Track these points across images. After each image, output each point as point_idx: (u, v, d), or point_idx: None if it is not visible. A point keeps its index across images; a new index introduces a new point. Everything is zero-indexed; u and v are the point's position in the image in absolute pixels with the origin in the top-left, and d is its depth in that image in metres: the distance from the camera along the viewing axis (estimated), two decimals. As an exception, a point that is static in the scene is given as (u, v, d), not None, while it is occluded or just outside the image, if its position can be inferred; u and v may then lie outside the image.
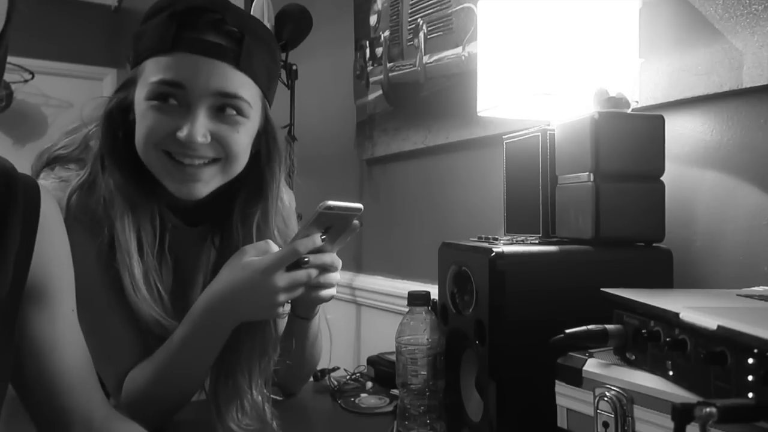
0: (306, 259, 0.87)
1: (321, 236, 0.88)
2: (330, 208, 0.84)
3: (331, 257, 0.91)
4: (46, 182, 0.93)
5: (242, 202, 0.99)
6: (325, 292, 0.95)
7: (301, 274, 0.87)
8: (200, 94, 0.88)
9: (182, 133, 0.87)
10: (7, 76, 4.26)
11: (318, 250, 0.89)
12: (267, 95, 0.97)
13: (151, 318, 0.93)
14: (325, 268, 0.91)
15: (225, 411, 0.96)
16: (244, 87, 0.90)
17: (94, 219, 0.92)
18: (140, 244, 0.93)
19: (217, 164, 0.92)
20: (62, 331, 0.77)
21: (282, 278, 0.86)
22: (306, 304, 1.01)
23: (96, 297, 0.93)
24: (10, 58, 0.74)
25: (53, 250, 0.76)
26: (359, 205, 0.87)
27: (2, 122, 4.48)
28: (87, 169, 0.94)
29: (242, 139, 0.93)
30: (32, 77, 4.53)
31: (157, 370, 0.93)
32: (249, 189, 0.99)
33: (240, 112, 0.91)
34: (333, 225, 0.88)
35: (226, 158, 0.92)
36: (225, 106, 0.90)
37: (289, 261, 0.86)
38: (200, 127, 0.88)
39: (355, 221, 0.89)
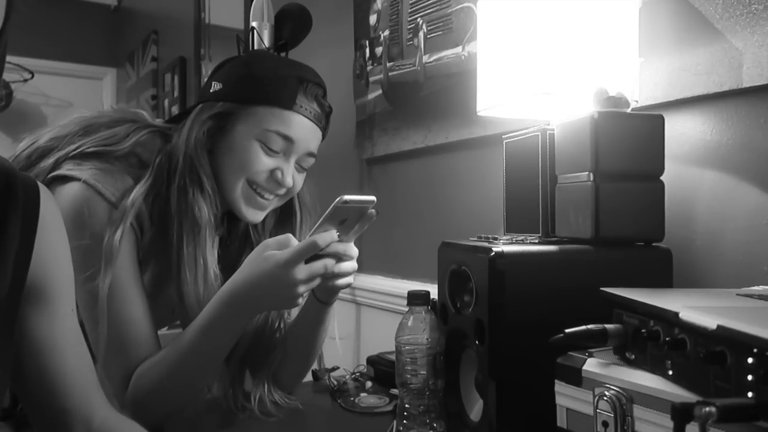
0: (321, 250, 0.91)
1: (336, 231, 0.92)
2: (346, 202, 0.87)
3: (344, 246, 0.95)
4: (83, 173, 0.97)
5: (271, 228, 1.18)
6: (342, 280, 0.99)
7: (318, 266, 0.91)
8: (300, 151, 1.07)
9: (279, 176, 1.06)
10: (7, 76, 4.27)
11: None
12: None
13: (198, 299, 1.00)
14: (339, 258, 0.95)
15: (243, 401, 1.06)
16: (318, 147, 1.11)
17: (141, 221, 1.01)
18: (213, 250, 1.05)
19: (279, 197, 1.10)
20: (62, 332, 0.77)
21: (301, 271, 0.90)
22: (327, 291, 1.06)
23: (126, 291, 0.97)
24: (9, 58, 0.74)
25: (53, 250, 0.76)
26: (373, 197, 0.91)
27: (2, 122, 4.48)
28: (150, 178, 1.01)
29: (301, 182, 1.13)
30: (32, 77, 4.53)
31: (171, 361, 0.95)
32: (279, 216, 1.17)
33: (309, 165, 1.12)
34: (348, 217, 0.92)
35: (286, 193, 1.11)
36: (305, 160, 1.10)
37: (308, 254, 0.90)
38: (291, 173, 1.07)
39: (371, 211, 0.93)
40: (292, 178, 1.07)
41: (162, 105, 3.85)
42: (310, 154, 1.09)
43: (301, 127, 1.05)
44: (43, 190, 0.75)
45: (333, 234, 0.91)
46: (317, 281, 0.93)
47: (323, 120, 1.09)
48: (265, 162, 1.04)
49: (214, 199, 1.04)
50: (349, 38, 1.92)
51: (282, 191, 1.08)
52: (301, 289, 0.91)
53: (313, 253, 0.90)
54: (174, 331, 1.08)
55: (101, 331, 0.94)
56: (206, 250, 1.02)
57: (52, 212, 0.76)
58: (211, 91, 1.07)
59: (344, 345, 1.83)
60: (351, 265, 0.98)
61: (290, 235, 0.94)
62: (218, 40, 3.04)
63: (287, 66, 1.08)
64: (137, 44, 4.40)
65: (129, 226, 0.98)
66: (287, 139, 1.04)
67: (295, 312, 1.15)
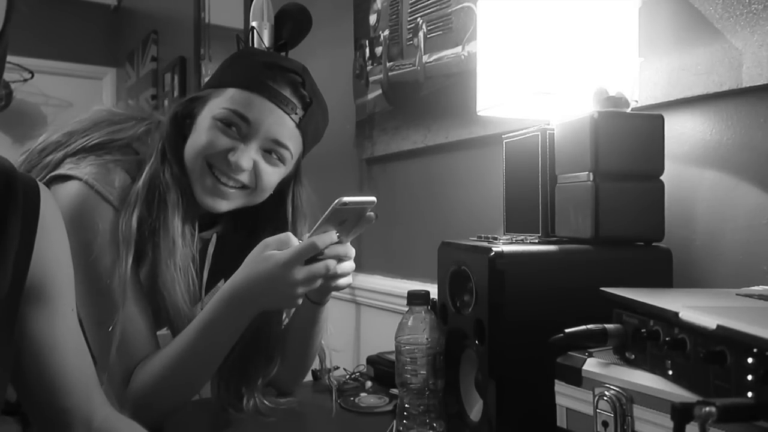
0: (321, 253, 0.91)
1: (336, 233, 0.91)
2: (345, 204, 0.87)
3: (344, 248, 0.95)
4: (81, 171, 0.98)
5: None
6: (342, 281, 0.99)
7: (319, 267, 0.92)
8: (259, 135, 1.01)
9: (233, 157, 1.00)
10: (7, 76, 4.26)
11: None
12: (305, 151, 1.11)
13: (176, 306, 1.01)
14: (339, 258, 0.95)
15: (236, 402, 1.06)
16: (294, 141, 1.05)
17: (139, 220, 0.99)
18: (184, 233, 1.04)
19: (245, 191, 1.05)
20: (62, 331, 0.77)
21: (301, 272, 0.90)
22: (320, 292, 1.05)
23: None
24: (9, 58, 0.74)
25: (53, 250, 0.76)
26: (372, 198, 0.90)
27: (2, 121, 4.48)
28: (148, 169, 1.01)
29: (274, 178, 1.06)
30: (32, 76, 4.53)
31: (171, 359, 0.96)
32: (274, 227, 1.10)
33: (281, 158, 1.05)
34: (348, 218, 0.91)
35: (254, 189, 1.05)
36: (272, 150, 1.03)
37: (307, 255, 0.90)
38: (248, 158, 1.01)
39: (370, 213, 0.93)
40: (254, 165, 1.02)
41: (162, 105, 3.85)
42: (277, 143, 1.02)
43: (262, 110, 1.00)
44: (43, 189, 0.75)
45: (332, 235, 0.91)
46: (318, 282, 0.93)
47: (298, 109, 1.03)
48: (221, 141, 1.00)
49: (183, 181, 1.03)
50: (348, 38, 1.92)
51: (242, 177, 1.02)
52: (301, 289, 0.92)
53: (313, 254, 0.90)
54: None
55: (120, 317, 0.94)
56: (176, 233, 1.01)
57: (52, 212, 0.76)
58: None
59: (344, 345, 1.83)
60: (350, 265, 0.98)
61: (290, 233, 0.94)
62: (218, 40, 3.04)
63: (268, 55, 1.08)
64: (137, 44, 4.39)
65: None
66: (245, 120, 1.00)
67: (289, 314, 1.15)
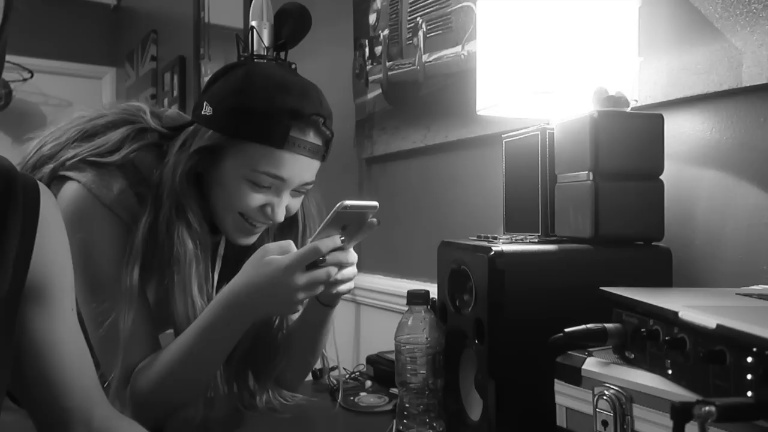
0: (322, 258, 0.89)
1: (339, 237, 0.90)
2: (347, 207, 0.86)
3: (346, 255, 0.94)
4: (83, 172, 0.98)
5: (276, 230, 1.13)
6: (344, 287, 0.98)
7: (320, 273, 0.90)
8: (293, 185, 1.02)
9: (269, 211, 1.02)
10: (6, 75, 4.26)
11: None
12: None
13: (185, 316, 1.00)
14: (341, 265, 0.93)
15: (250, 398, 1.08)
16: (316, 172, 1.06)
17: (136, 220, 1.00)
18: (198, 256, 1.02)
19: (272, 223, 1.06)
20: (62, 331, 0.77)
21: (302, 277, 0.89)
22: (330, 295, 1.04)
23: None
24: (9, 57, 0.74)
25: (52, 250, 0.76)
26: (375, 203, 0.89)
27: (1, 121, 4.48)
28: (151, 212, 0.99)
29: (299, 204, 1.08)
30: (31, 76, 4.53)
31: (171, 361, 0.95)
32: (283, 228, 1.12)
33: (306, 190, 1.07)
34: (350, 223, 0.90)
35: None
36: (300, 188, 1.04)
37: (309, 260, 0.88)
38: (283, 208, 1.03)
39: (373, 219, 0.92)
40: (286, 208, 1.04)
41: (161, 104, 3.85)
42: (308, 184, 1.05)
43: (293, 164, 0.99)
44: (43, 189, 0.75)
45: (336, 240, 0.89)
46: (320, 289, 0.92)
47: (322, 150, 1.03)
48: (255, 198, 1.00)
49: (201, 232, 1.02)
50: (348, 38, 1.92)
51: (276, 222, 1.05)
52: (301, 295, 0.90)
53: (315, 259, 0.88)
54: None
55: (117, 362, 0.95)
56: (192, 283, 0.99)
57: (53, 212, 0.76)
58: (202, 112, 1.01)
59: (344, 345, 1.83)
60: (352, 270, 0.97)
61: (291, 241, 0.93)
62: (217, 40, 3.04)
63: (283, 94, 0.98)
64: (137, 43, 4.39)
65: (122, 223, 0.98)
66: (278, 179, 0.99)
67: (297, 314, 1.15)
